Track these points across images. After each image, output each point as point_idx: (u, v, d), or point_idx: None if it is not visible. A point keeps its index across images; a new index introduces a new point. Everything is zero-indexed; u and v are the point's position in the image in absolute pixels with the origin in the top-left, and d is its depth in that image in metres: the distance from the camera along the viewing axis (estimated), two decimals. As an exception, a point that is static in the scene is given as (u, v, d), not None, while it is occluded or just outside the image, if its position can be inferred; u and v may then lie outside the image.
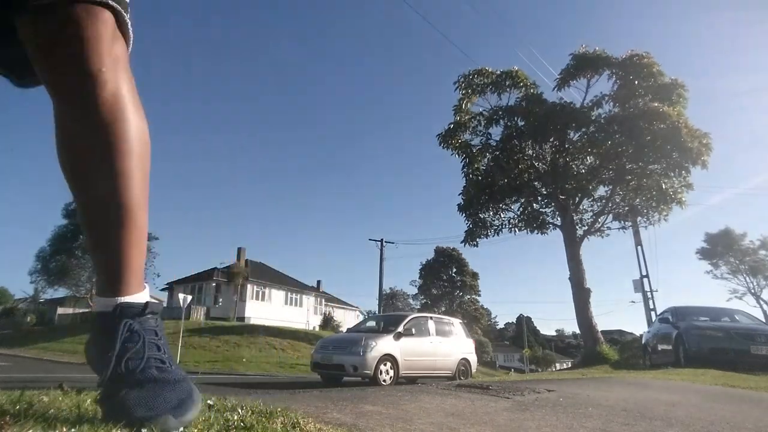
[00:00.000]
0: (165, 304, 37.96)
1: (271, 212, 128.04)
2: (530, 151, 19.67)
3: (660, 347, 11.34)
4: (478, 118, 20.30)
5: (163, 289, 39.37)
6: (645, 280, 21.37)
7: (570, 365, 32.93)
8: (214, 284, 35.22)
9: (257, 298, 35.50)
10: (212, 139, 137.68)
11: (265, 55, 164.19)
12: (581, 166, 19.25)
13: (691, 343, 9.40)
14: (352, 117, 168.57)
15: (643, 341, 13.75)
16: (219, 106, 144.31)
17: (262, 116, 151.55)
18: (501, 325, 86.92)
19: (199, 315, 30.39)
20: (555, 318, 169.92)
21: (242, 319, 32.52)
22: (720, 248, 32.09)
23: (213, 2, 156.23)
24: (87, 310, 36.83)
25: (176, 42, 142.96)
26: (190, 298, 20.45)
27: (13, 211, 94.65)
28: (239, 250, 38.17)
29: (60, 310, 38.77)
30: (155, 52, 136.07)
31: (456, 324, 11.23)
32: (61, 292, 39.62)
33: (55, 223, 38.08)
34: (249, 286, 34.71)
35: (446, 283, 52.99)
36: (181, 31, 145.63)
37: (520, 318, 73.94)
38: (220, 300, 35.15)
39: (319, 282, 45.17)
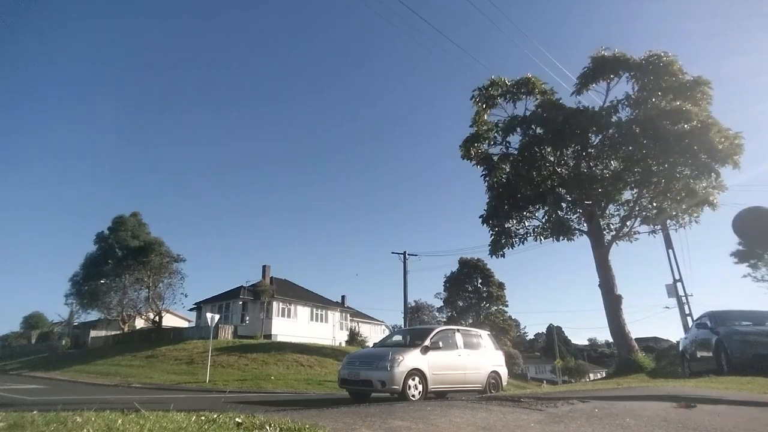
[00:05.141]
0: (194, 324, 38.67)
1: (293, 230, 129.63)
2: (552, 158, 19.39)
3: (699, 354, 10.87)
4: (495, 128, 20.22)
5: (191, 309, 40.13)
6: (678, 284, 20.61)
7: (604, 375, 31.89)
8: (240, 303, 35.64)
9: (283, 315, 35.71)
10: (234, 156, 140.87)
11: (294, 71, 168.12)
12: (605, 171, 18.85)
13: (733, 350, 8.96)
14: (373, 131, 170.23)
15: (680, 348, 13.22)
16: (240, 121, 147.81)
17: (285, 134, 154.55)
18: (531, 336, 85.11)
19: (227, 334, 30.72)
20: (587, 327, 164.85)
21: (269, 336, 32.72)
22: (758, 249, 30.71)
23: (227, 9, 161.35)
24: (118, 332, 37.76)
25: (185, 51, 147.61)
26: (217, 317, 20.72)
27: (51, 237, 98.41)
28: (264, 268, 38.68)
29: (93, 333, 39.85)
30: (171, 62, 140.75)
31: (484, 336, 11.02)
32: (93, 316, 40.85)
33: (86, 249, 39.41)
34: (275, 304, 34.99)
35: (472, 294, 52.30)
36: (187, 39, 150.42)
37: (550, 328, 72.26)
38: (247, 318, 35.51)
39: (343, 297, 45.25)
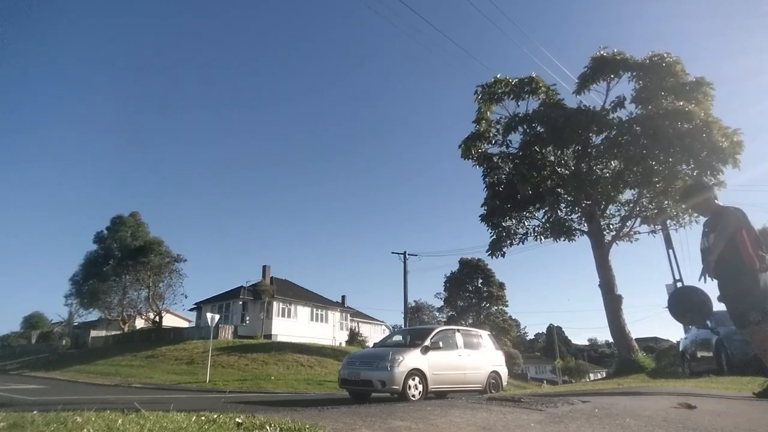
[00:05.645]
0: (194, 324, 38.69)
1: (293, 230, 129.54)
2: (552, 158, 19.35)
3: (699, 354, 10.87)
4: (496, 126, 20.18)
5: (191, 309, 40.16)
6: (678, 284, 20.59)
7: (604, 375, 31.88)
8: (240, 303, 35.65)
9: (283, 315, 35.72)
10: (234, 156, 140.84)
11: (297, 72, 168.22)
12: (605, 171, 18.81)
13: (734, 350, 8.95)
14: (373, 131, 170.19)
15: (680, 348, 13.20)
16: (239, 120, 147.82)
17: (285, 134, 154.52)
18: (531, 336, 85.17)
19: (227, 334, 30.72)
20: (587, 327, 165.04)
21: (269, 336, 32.73)
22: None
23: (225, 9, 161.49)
24: (118, 332, 37.78)
25: (188, 50, 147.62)
26: (218, 317, 20.71)
27: (51, 237, 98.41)
28: (264, 268, 38.70)
29: (93, 333, 39.84)
30: (173, 62, 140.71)
31: (484, 336, 11.02)
32: (93, 316, 40.87)
33: (86, 249, 39.44)
34: (275, 304, 35.00)
35: (472, 294, 52.28)
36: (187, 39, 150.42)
37: (550, 328, 72.26)
38: (247, 318, 35.51)
39: (343, 297, 45.26)
